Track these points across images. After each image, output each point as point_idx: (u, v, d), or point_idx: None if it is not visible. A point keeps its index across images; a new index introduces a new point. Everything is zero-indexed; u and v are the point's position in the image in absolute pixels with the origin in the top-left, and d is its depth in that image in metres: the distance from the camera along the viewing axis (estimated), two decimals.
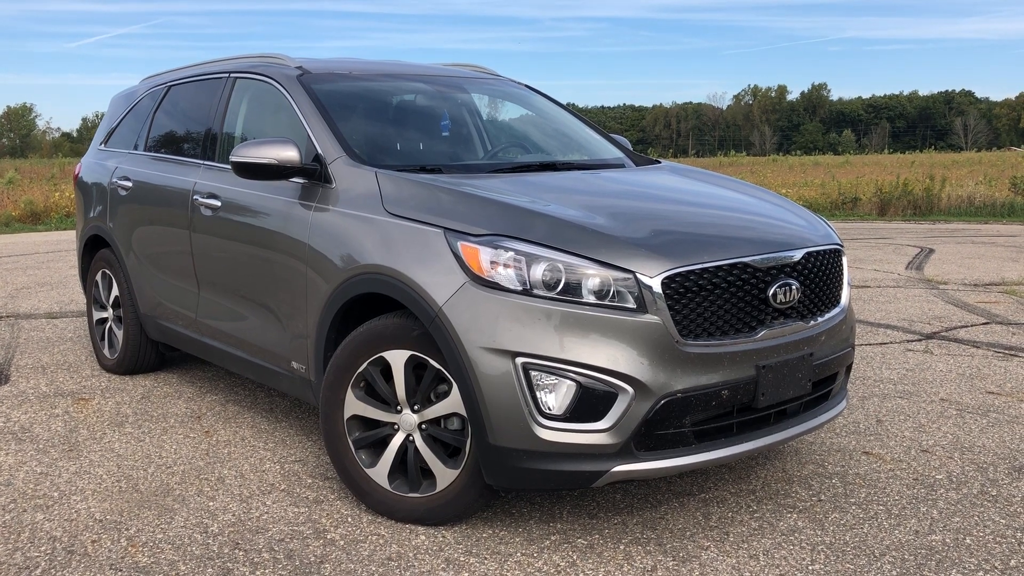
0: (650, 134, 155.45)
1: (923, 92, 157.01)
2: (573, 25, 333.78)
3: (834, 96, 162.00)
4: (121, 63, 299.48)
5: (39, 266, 10.21)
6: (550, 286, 2.83)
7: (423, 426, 3.11)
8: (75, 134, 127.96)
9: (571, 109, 4.92)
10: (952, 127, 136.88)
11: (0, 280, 9.06)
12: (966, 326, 6.55)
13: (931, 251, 11.25)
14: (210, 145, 4.44)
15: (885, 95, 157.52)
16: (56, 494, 3.48)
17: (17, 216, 17.03)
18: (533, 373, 2.80)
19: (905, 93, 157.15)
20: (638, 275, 2.82)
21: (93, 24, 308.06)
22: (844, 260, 3.51)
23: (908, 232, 14.08)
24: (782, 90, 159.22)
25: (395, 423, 3.17)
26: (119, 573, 2.84)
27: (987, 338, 6.15)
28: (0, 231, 15.70)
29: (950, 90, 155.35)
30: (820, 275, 3.27)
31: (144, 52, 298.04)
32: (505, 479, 2.91)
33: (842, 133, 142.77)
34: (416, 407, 3.11)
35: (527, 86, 4.99)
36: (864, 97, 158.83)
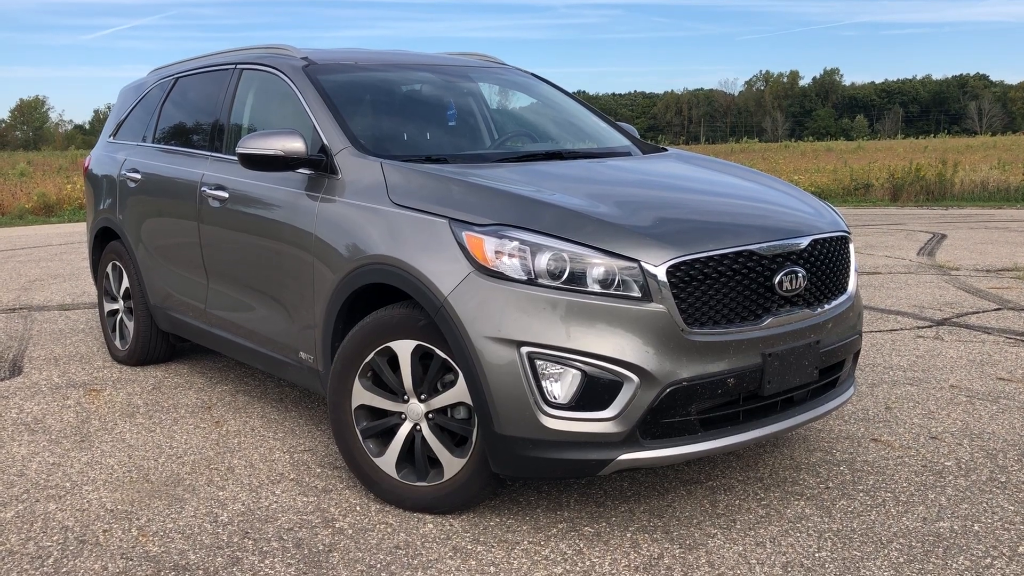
0: (661, 121, 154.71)
1: (937, 76, 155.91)
2: (587, 12, 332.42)
3: (847, 81, 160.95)
4: (135, 55, 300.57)
5: (52, 258, 10.28)
6: (555, 275, 2.83)
7: (430, 415, 3.13)
8: (87, 126, 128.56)
9: (577, 97, 4.90)
10: (966, 111, 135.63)
11: (14, 272, 9.13)
12: (977, 312, 6.52)
13: (943, 237, 11.18)
14: (217, 137, 4.46)
15: (898, 80, 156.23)
16: (68, 484, 3.51)
17: (30, 208, 17.13)
18: (539, 362, 2.80)
19: (919, 77, 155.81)
20: (643, 264, 2.82)
21: (108, 16, 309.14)
22: (851, 247, 3.49)
23: (920, 218, 14.00)
24: (794, 76, 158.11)
25: (402, 412, 3.18)
26: (130, 562, 2.87)
27: (998, 324, 6.11)
28: (13, 223, 15.80)
29: (964, 74, 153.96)
30: (827, 262, 3.25)
31: (158, 44, 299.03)
32: (511, 468, 2.93)
33: (855, 118, 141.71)
34: (423, 397, 3.13)
35: (533, 74, 4.98)
36: (877, 82, 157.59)
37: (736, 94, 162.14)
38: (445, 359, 3.03)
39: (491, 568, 2.80)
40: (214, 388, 4.84)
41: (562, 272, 2.83)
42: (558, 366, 2.80)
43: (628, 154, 4.20)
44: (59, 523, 3.17)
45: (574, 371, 2.79)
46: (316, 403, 4.55)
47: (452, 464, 3.10)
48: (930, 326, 6.09)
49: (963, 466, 3.59)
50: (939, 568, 2.77)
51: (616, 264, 2.83)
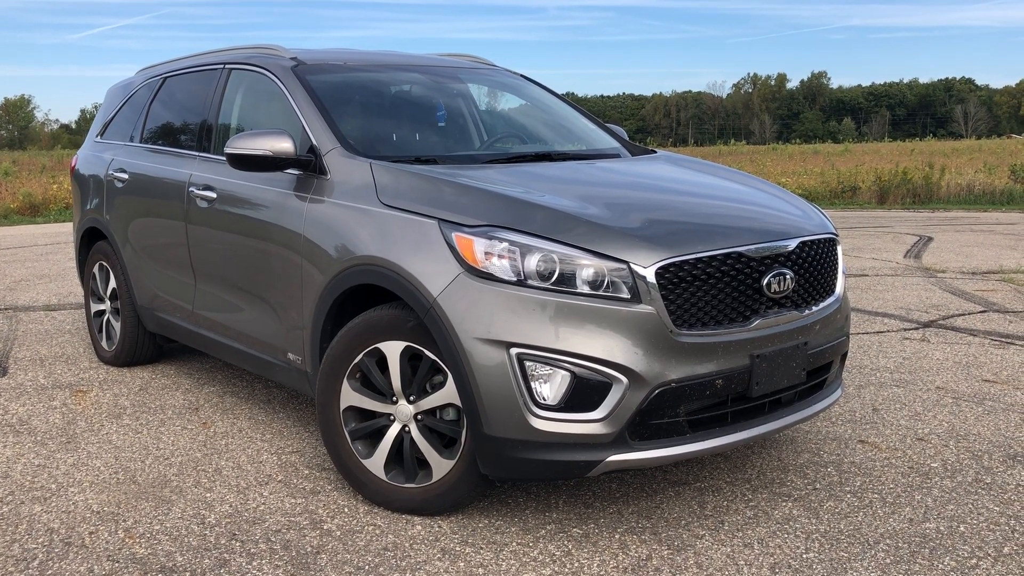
0: (650, 123, 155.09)
1: (923, 80, 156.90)
2: (578, 14, 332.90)
3: (834, 84, 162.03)
4: (123, 54, 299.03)
5: (37, 258, 10.21)
6: (544, 277, 2.83)
7: (419, 417, 3.12)
8: (74, 126, 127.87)
9: (567, 99, 4.91)
10: (952, 115, 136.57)
11: None
12: (963, 314, 6.56)
13: (930, 239, 11.25)
14: (205, 137, 4.44)
15: (885, 83, 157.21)
16: (54, 486, 3.49)
17: (15, 208, 17.01)
18: (528, 363, 2.80)
19: (905, 81, 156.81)
20: (632, 265, 2.83)
21: (96, 15, 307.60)
22: (839, 249, 3.51)
23: (907, 220, 14.08)
24: (782, 78, 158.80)
25: (391, 414, 3.18)
26: (116, 564, 2.85)
27: (984, 326, 6.16)
28: None
29: (950, 77, 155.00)
30: (814, 264, 3.27)
31: (147, 43, 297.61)
32: (500, 469, 2.92)
33: (842, 121, 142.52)
34: (412, 398, 3.12)
35: (522, 76, 4.98)
36: (864, 85, 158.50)
37: (724, 97, 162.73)
38: (434, 360, 3.03)
39: (479, 570, 2.80)
40: (201, 389, 4.82)
41: (551, 273, 2.83)
42: (547, 367, 2.80)
43: (617, 156, 4.21)
44: (44, 525, 3.15)
45: (563, 372, 2.79)
46: (304, 404, 4.53)
47: (441, 465, 3.09)
48: (916, 328, 6.13)
49: (949, 467, 3.61)
50: (925, 569, 2.79)
51: (605, 265, 2.83)
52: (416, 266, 3.00)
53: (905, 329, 6.10)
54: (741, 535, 3.03)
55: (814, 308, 3.26)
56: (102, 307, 5.41)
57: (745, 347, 2.97)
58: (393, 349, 3.11)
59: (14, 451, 3.88)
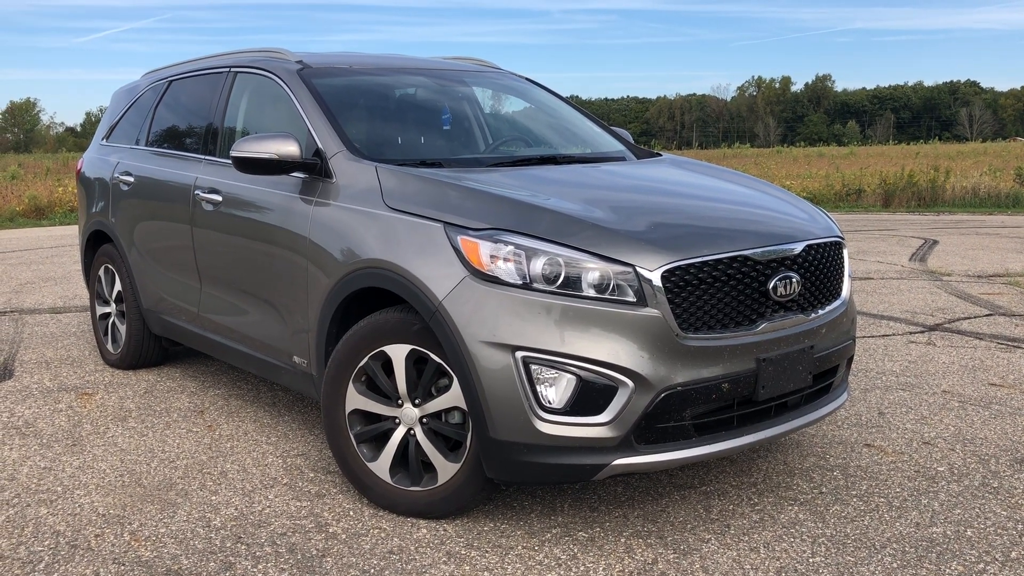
0: (654, 126, 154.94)
1: (928, 83, 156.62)
2: (582, 17, 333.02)
3: (839, 87, 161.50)
4: (129, 58, 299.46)
5: (43, 261, 10.23)
6: (550, 280, 2.83)
7: (424, 420, 3.12)
8: (79, 129, 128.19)
9: (572, 102, 4.91)
10: (957, 118, 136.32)
11: (4, 275, 9.08)
12: (969, 318, 6.54)
13: (935, 242, 11.22)
14: (211, 140, 4.45)
15: (890, 86, 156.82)
16: (59, 488, 3.49)
17: (21, 211, 17.06)
18: (533, 367, 2.80)
19: (910, 84, 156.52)
20: (638, 268, 2.82)
21: (102, 19, 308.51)
22: (845, 252, 3.50)
23: (912, 223, 14.05)
24: (786, 81, 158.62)
25: (396, 417, 3.18)
26: (122, 567, 2.85)
27: (990, 330, 6.14)
28: (4, 226, 15.73)
29: (955, 80, 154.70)
30: (821, 268, 3.26)
31: (153, 46, 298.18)
32: (506, 473, 2.92)
33: (847, 124, 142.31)
34: (417, 401, 3.12)
35: (527, 79, 4.98)
36: (869, 88, 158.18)
37: (728, 99, 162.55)
38: (440, 363, 3.03)
39: (485, 573, 2.80)
40: (207, 392, 4.82)
41: (557, 277, 2.83)
42: (553, 371, 2.80)
43: (623, 159, 4.21)
44: (50, 528, 3.15)
45: (569, 376, 2.79)
46: (309, 407, 4.53)
47: (446, 469, 3.09)
48: (922, 331, 6.11)
49: (956, 471, 3.60)
50: (932, 573, 2.78)
51: (611, 269, 2.83)
52: (421, 269, 3.00)
53: (911, 332, 6.09)
54: (747, 539, 3.02)
55: (820, 312, 3.25)
56: (107, 310, 5.42)
57: (751, 351, 2.97)
58: (398, 352, 3.11)
59: (20, 454, 3.89)
